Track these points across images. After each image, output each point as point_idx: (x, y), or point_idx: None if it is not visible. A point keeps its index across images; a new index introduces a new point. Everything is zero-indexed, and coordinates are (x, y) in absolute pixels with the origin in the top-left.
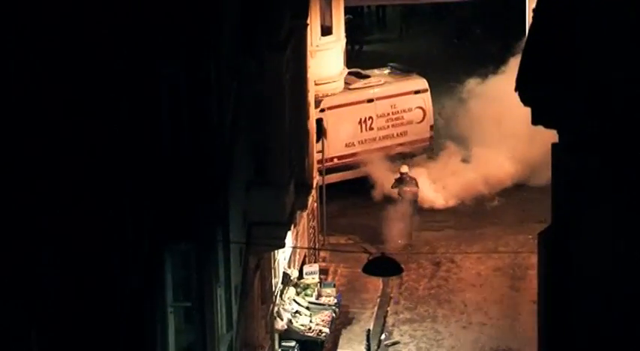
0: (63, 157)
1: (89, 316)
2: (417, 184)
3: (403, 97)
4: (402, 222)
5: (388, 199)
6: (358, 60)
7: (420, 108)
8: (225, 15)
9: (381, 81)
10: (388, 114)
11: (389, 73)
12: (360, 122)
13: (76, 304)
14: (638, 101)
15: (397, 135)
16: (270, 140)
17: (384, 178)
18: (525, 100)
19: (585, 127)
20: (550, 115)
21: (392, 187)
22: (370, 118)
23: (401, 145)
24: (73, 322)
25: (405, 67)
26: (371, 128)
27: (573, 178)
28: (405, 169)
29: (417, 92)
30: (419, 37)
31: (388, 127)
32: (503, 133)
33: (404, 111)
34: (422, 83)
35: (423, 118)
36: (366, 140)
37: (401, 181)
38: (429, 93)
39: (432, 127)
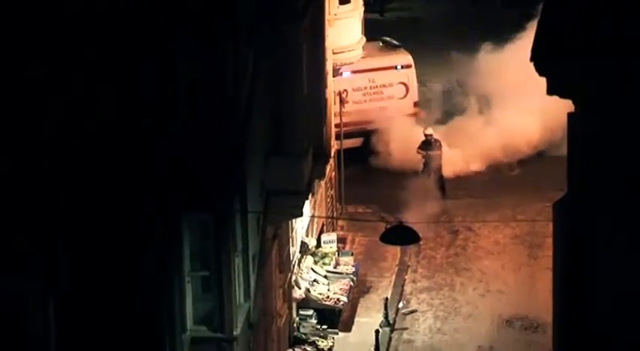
0: (79, 129)
1: (107, 286)
2: (441, 146)
3: (383, 72)
4: (431, 190)
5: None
6: (379, 28)
7: (403, 83)
8: None
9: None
10: (365, 88)
11: (380, 46)
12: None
13: (94, 275)
14: None
15: (375, 110)
16: (288, 109)
17: (399, 143)
18: (541, 71)
19: (601, 96)
20: (565, 85)
21: (417, 152)
22: (345, 91)
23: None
24: (91, 292)
25: (397, 43)
26: (346, 102)
27: (589, 148)
28: (429, 130)
29: (399, 67)
30: (438, 3)
31: (365, 101)
32: (522, 100)
33: (383, 86)
34: (405, 59)
35: (406, 94)
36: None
37: (427, 144)
38: (413, 69)
39: (416, 103)
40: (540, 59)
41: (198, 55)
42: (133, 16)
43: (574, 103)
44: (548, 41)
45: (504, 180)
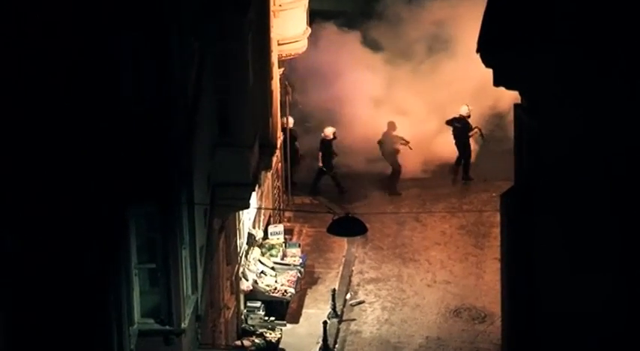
0: (24, 122)
1: (54, 279)
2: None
3: None
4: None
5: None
6: None
7: None
8: None
9: None
10: None
11: None
12: None
13: (40, 268)
14: (598, 62)
15: None
16: (234, 100)
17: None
18: (487, 62)
19: (547, 88)
20: (512, 76)
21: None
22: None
23: None
24: (38, 286)
25: None
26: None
27: (535, 139)
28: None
29: None
30: None
31: None
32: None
33: None
34: None
35: None
36: None
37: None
38: None
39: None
40: (486, 50)
41: (143, 46)
42: (76, 4)
43: (520, 94)
44: (494, 32)
45: (450, 170)
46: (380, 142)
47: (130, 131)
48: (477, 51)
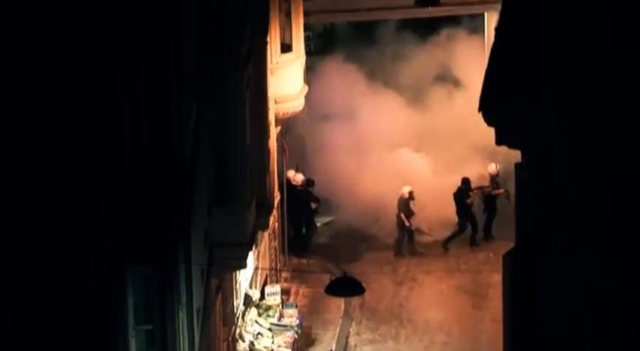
0: (23, 178)
1: (51, 340)
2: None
3: None
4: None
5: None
6: None
7: None
8: (185, 32)
9: None
10: None
11: None
12: None
13: (38, 328)
14: (601, 124)
15: None
16: (231, 159)
17: None
18: (489, 121)
19: (548, 148)
20: (514, 135)
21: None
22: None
23: None
24: (35, 346)
25: None
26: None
27: (537, 198)
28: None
29: None
30: None
31: None
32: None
33: None
34: None
35: None
36: None
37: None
38: None
39: None
40: (488, 109)
41: (141, 103)
42: (75, 58)
43: (522, 153)
44: (496, 91)
45: (446, 230)
46: (455, 196)
47: (127, 190)
48: (479, 110)
